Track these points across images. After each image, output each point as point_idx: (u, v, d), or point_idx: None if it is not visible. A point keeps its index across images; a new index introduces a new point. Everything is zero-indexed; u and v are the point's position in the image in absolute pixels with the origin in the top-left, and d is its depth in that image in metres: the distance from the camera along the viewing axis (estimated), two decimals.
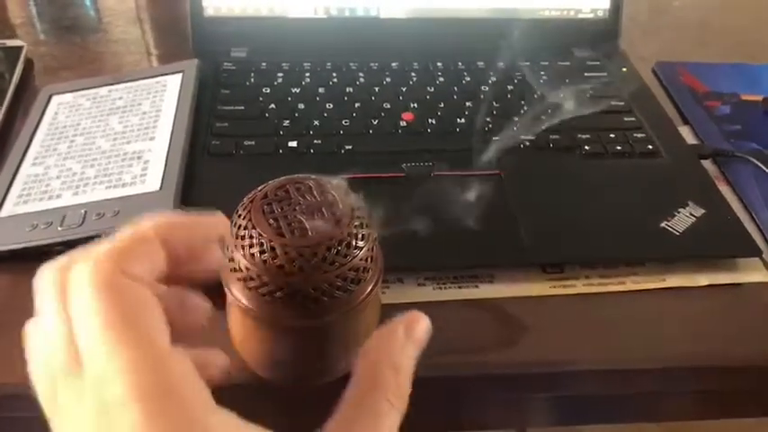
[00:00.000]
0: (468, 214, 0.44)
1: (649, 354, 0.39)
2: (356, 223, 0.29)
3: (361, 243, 0.29)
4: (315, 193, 0.30)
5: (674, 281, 0.42)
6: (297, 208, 0.29)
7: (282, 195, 0.30)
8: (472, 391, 0.40)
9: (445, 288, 0.41)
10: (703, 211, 0.44)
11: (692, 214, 0.44)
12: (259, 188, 0.31)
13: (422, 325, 0.30)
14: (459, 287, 0.41)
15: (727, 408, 0.46)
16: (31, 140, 0.48)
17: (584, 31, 0.61)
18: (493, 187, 0.46)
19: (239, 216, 0.30)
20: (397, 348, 0.28)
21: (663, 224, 0.43)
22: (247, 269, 0.29)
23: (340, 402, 0.27)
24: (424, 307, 0.40)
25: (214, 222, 0.29)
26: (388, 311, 0.38)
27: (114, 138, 0.48)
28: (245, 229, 0.29)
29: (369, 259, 0.30)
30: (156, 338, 0.23)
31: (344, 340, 0.33)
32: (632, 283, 0.42)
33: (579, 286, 0.41)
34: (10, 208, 0.43)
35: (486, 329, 0.40)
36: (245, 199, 0.30)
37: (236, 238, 0.29)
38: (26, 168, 0.46)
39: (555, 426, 0.50)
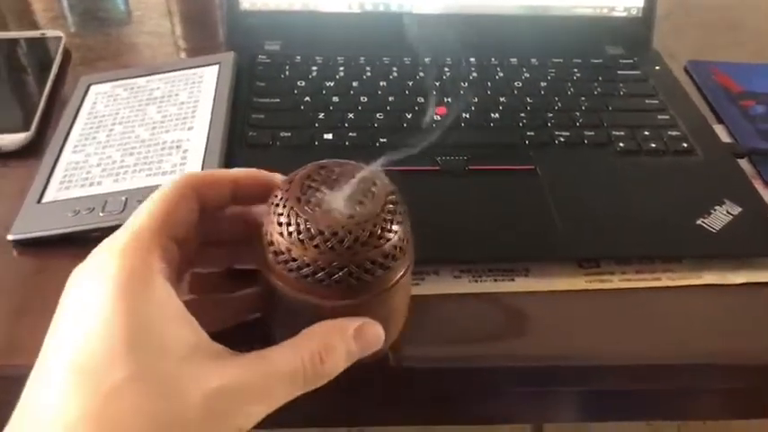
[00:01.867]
0: (504, 208, 0.44)
1: (683, 350, 0.39)
2: (390, 207, 0.30)
3: (395, 227, 0.30)
4: (351, 176, 0.30)
5: (709, 278, 0.42)
6: (333, 190, 0.30)
7: (320, 178, 0.31)
8: (501, 383, 0.40)
9: (481, 281, 0.41)
10: (740, 209, 0.44)
11: (728, 212, 0.44)
12: (297, 171, 0.31)
13: (373, 330, 0.30)
14: (495, 280, 0.41)
15: (756, 408, 0.46)
16: (70, 129, 0.49)
17: (618, 29, 0.61)
18: (528, 182, 0.46)
19: (277, 197, 0.30)
20: (339, 332, 0.29)
21: (699, 221, 0.43)
22: (284, 249, 0.29)
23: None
24: (459, 299, 0.41)
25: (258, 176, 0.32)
26: (423, 302, 0.38)
27: (153, 127, 0.48)
28: (283, 208, 0.29)
29: (403, 241, 0.30)
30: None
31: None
32: (668, 280, 0.42)
33: (615, 281, 0.41)
34: (53, 194, 0.44)
35: (521, 322, 0.40)
36: (283, 180, 0.31)
37: (274, 216, 0.30)
38: (67, 156, 0.46)
39: (578, 421, 0.50)
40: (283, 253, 0.29)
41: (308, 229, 0.28)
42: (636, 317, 0.40)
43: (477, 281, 0.41)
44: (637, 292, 0.41)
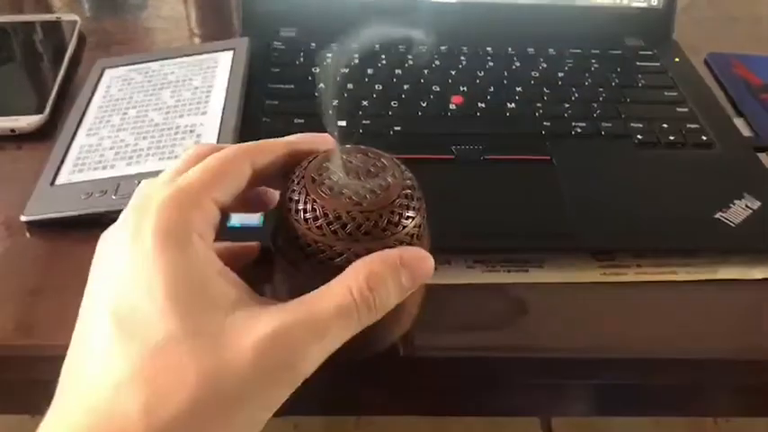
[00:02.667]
0: (519, 198, 0.44)
1: (698, 345, 0.39)
2: (401, 201, 0.29)
3: (411, 213, 0.29)
4: (367, 161, 0.30)
5: (727, 273, 0.41)
6: (349, 175, 0.29)
7: (340, 161, 0.30)
8: (512, 375, 0.40)
9: (494, 271, 0.41)
10: (759, 203, 0.43)
11: (747, 206, 0.43)
12: (312, 156, 0.31)
13: (419, 256, 0.28)
14: (509, 271, 0.41)
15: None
16: (85, 112, 0.49)
17: (637, 21, 0.60)
18: (544, 172, 0.45)
19: (292, 182, 0.30)
20: (383, 261, 0.27)
21: (717, 215, 0.43)
22: (291, 226, 0.28)
23: None
24: (472, 289, 0.40)
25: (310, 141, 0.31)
26: (436, 292, 0.38)
27: (167, 111, 0.48)
28: (296, 185, 0.29)
29: (420, 228, 0.30)
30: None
31: (388, 314, 0.33)
32: (685, 274, 0.41)
33: (630, 274, 0.41)
34: (66, 176, 0.43)
35: (534, 314, 0.39)
36: (298, 166, 0.30)
37: (288, 192, 0.29)
38: (81, 139, 0.46)
39: (588, 415, 0.50)
40: (290, 230, 0.29)
41: (314, 210, 0.28)
42: (651, 311, 0.40)
43: (490, 271, 0.41)
44: (652, 285, 0.41)
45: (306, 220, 0.28)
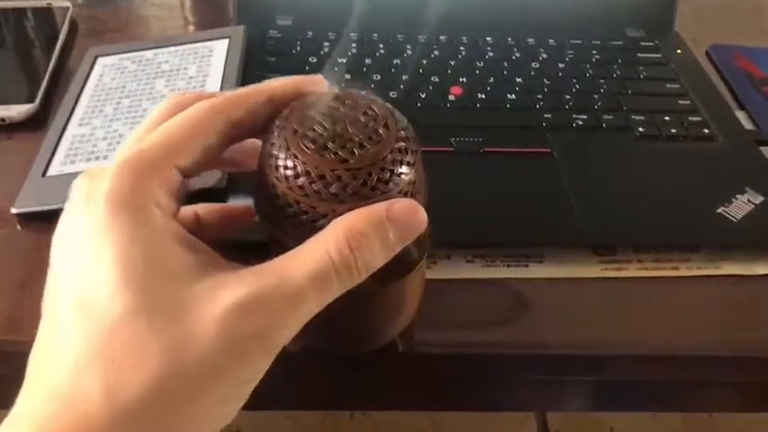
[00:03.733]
0: (519, 192, 0.43)
1: (699, 341, 0.38)
2: (401, 146, 0.26)
3: (404, 169, 0.26)
4: (357, 108, 0.27)
5: (729, 268, 0.41)
6: (337, 125, 0.26)
7: (326, 109, 0.27)
8: (511, 370, 0.39)
9: (494, 266, 0.40)
10: (762, 198, 0.43)
11: (750, 201, 0.43)
12: (294, 103, 0.27)
13: (409, 207, 0.25)
14: (509, 266, 0.40)
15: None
16: (77, 101, 0.48)
17: (638, 11, 0.59)
18: (544, 165, 0.45)
19: (272, 133, 0.26)
20: (367, 217, 0.24)
21: (720, 210, 0.42)
22: (271, 183, 0.26)
23: None
24: (471, 284, 0.40)
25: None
26: (436, 287, 0.37)
27: (161, 101, 0.47)
28: (276, 138, 0.26)
29: (414, 185, 0.27)
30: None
31: (385, 305, 0.32)
32: (686, 269, 0.41)
33: (631, 270, 0.40)
34: (57, 167, 0.43)
35: (534, 309, 0.39)
36: (279, 115, 0.27)
37: (267, 145, 0.26)
38: (73, 129, 0.45)
39: (586, 410, 0.50)
40: (270, 189, 0.26)
41: (295, 167, 0.25)
42: (652, 307, 0.39)
43: (490, 266, 0.40)
44: (653, 281, 0.40)
45: (286, 177, 0.25)
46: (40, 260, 0.38)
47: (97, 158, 0.43)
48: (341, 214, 0.25)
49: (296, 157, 0.25)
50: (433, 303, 0.36)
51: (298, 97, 0.28)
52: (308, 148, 0.26)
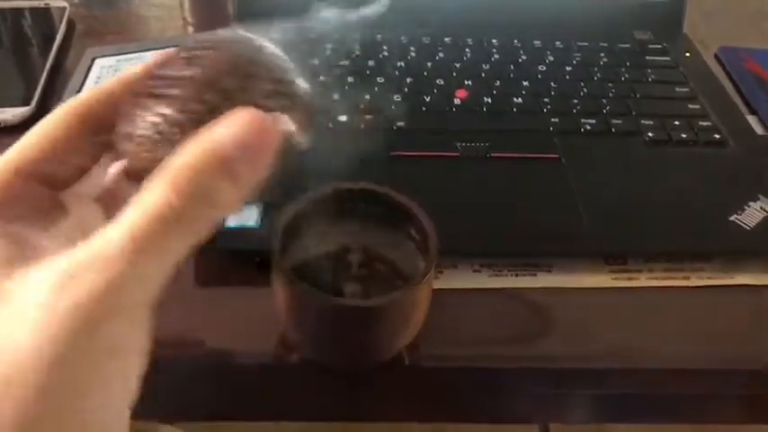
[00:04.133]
0: (526, 199, 0.42)
1: (711, 354, 0.37)
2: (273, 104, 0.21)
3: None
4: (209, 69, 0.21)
5: (742, 278, 0.40)
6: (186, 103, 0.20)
7: (166, 81, 0.21)
8: (517, 383, 0.38)
9: (501, 275, 0.39)
10: None
11: (763, 209, 0.42)
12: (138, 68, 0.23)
13: (248, 116, 0.20)
14: (516, 275, 0.39)
15: None
16: (81, 86, 0.47)
17: (646, 14, 0.58)
18: (552, 171, 0.44)
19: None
20: (201, 157, 0.19)
21: (732, 218, 0.41)
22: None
23: None
24: (478, 294, 0.39)
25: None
26: (441, 297, 0.36)
27: None
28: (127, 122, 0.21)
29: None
30: None
31: (391, 318, 0.31)
32: (697, 279, 0.40)
33: (642, 279, 0.39)
34: None
35: (541, 321, 0.38)
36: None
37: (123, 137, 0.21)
38: None
39: (593, 423, 0.49)
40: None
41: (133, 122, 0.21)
42: (663, 318, 0.38)
43: (497, 275, 0.39)
44: (664, 291, 0.39)
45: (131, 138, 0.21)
46: None
47: None
48: None
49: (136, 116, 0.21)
50: (440, 314, 0.35)
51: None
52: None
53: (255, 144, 0.19)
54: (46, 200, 0.22)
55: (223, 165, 0.19)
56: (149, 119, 0.21)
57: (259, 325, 0.35)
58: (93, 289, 0.18)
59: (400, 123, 0.47)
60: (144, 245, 0.18)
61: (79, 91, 0.48)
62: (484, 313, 0.38)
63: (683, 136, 0.47)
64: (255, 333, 0.35)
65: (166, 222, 0.19)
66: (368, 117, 0.47)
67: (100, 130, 0.22)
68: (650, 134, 0.47)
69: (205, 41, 0.22)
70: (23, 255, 0.20)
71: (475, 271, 0.39)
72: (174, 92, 0.21)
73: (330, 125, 0.46)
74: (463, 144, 0.45)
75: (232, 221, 0.38)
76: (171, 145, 0.20)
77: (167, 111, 0.20)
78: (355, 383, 0.36)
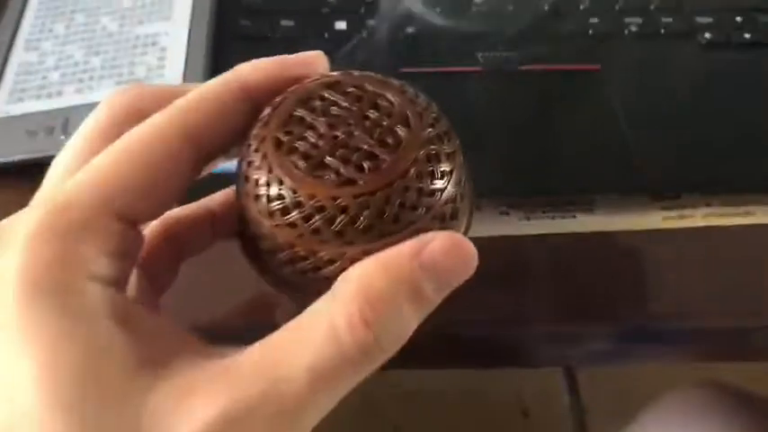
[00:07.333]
0: (561, 123, 0.36)
1: None
2: (432, 150, 0.19)
3: (440, 184, 0.19)
4: (363, 101, 0.19)
5: None
6: (336, 128, 0.19)
7: (319, 105, 0.19)
8: (556, 348, 0.34)
9: (533, 218, 0.34)
10: None
11: None
12: (277, 100, 0.20)
13: (458, 250, 0.18)
14: (552, 217, 0.34)
15: None
16: (20, 19, 0.39)
17: None
18: (591, 86, 0.37)
19: (248, 147, 0.19)
20: (391, 267, 0.17)
21: None
22: (252, 219, 0.19)
23: None
24: (506, 241, 0.33)
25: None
26: None
27: (122, 16, 0.39)
28: (257, 169, 0.19)
29: (455, 202, 0.19)
30: None
31: None
32: (763, 215, 0.34)
33: (698, 218, 0.34)
34: (3, 107, 0.35)
35: (582, 272, 0.33)
36: (257, 121, 0.20)
37: (246, 181, 0.19)
38: (17, 55, 0.37)
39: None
40: (252, 226, 0.19)
41: (281, 197, 0.18)
42: (723, 262, 0.33)
43: (528, 218, 0.34)
44: (725, 230, 0.34)
45: (271, 212, 0.18)
46: None
47: (50, 96, 0.35)
48: (354, 259, 0.18)
49: (281, 182, 0.18)
50: None
51: (283, 88, 0.20)
52: (297, 166, 0.18)
53: (459, 269, 0.18)
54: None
55: (418, 293, 0.17)
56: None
57: None
58: None
59: (410, 29, 0.39)
60: (319, 394, 0.17)
61: (26, 2, 0.40)
62: (515, 264, 0.33)
63: (747, 36, 0.39)
64: None
65: (348, 363, 0.17)
66: (370, 22, 0.40)
67: (192, 144, 0.19)
68: (706, 35, 0.39)
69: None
70: (156, 352, 0.17)
71: (502, 213, 0.34)
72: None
73: (326, 36, 0.39)
74: (486, 55, 0.38)
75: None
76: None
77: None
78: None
